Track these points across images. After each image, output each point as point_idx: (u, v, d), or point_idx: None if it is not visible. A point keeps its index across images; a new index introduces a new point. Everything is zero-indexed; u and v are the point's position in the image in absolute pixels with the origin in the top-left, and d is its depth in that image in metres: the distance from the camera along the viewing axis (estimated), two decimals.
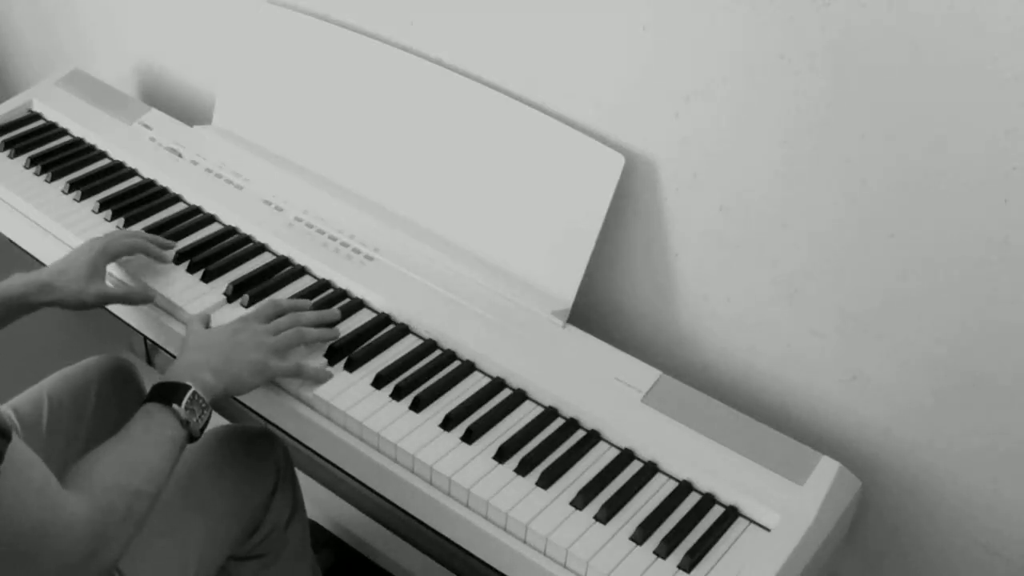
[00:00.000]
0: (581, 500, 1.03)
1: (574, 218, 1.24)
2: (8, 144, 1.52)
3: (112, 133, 1.54)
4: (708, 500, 1.05)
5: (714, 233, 1.21)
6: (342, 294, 1.27)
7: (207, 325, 1.16)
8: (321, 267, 1.30)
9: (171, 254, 1.30)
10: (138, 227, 1.36)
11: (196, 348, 1.08)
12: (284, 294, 1.26)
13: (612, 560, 0.98)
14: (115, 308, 1.27)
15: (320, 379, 1.13)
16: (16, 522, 0.81)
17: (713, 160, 1.17)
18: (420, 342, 1.21)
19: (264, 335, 1.11)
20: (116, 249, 1.23)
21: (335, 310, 1.22)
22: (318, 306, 1.22)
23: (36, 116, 1.60)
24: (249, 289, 1.25)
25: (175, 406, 0.98)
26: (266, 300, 1.22)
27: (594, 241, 1.22)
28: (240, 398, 1.12)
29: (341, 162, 1.43)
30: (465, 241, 1.32)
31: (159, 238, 1.31)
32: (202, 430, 1.01)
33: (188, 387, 1.00)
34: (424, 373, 1.16)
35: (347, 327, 1.22)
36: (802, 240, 1.14)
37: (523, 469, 1.06)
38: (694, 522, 1.03)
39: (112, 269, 1.25)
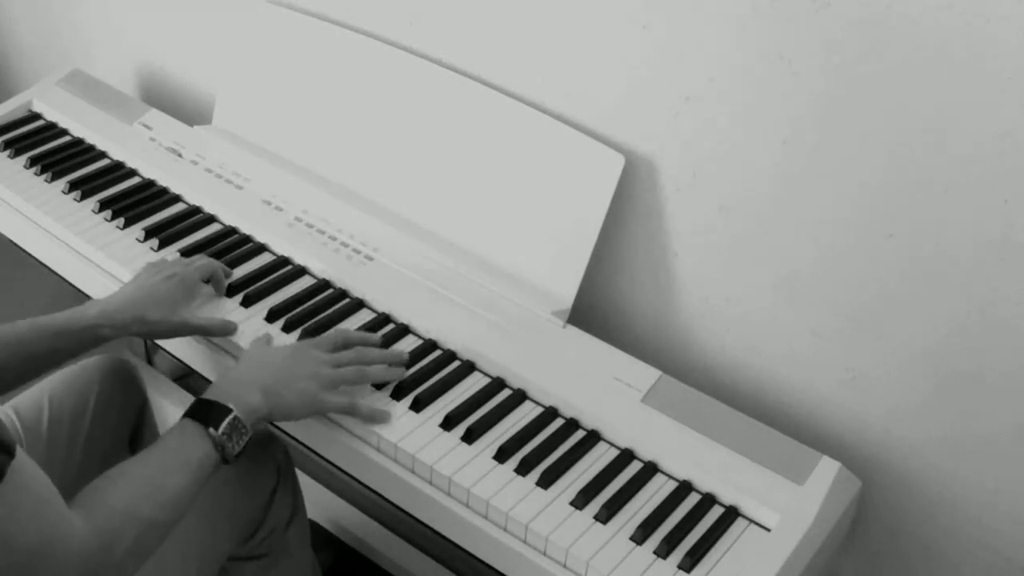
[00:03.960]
0: (581, 500, 1.03)
1: (574, 218, 1.24)
2: (8, 144, 1.52)
3: (112, 133, 1.54)
4: (708, 500, 1.05)
5: (714, 233, 1.21)
6: (342, 294, 1.27)
7: (270, 343, 1.13)
8: (321, 267, 1.30)
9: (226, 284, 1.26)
10: (137, 227, 1.36)
11: (250, 363, 1.05)
12: (284, 294, 1.26)
13: (612, 560, 0.98)
14: None
15: (376, 420, 1.08)
16: (13, 541, 0.78)
17: (713, 160, 1.17)
18: (420, 342, 1.21)
19: (323, 365, 1.07)
20: (194, 277, 1.19)
21: (403, 351, 1.16)
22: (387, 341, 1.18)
23: (36, 116, 1.60)
24: (247, 289, 1.25)
25: (211, 429, 0.95)
26: (334, 329, 1.17)
27: (594, 241, 1.22)
28: None
29: (341, 162, 1.43)
30: (465, 241, 1.32)
31: (224, 267, 1.26)
32: (238, 455, 0.97)
33: (230, 411, 0.96)
34: (424, 373, 1.16)
35: (347, 327, 1.22)
36: (802, 240, 1.14)
37: (523, 469, 1.06)
38: (694, 522, 1.03)
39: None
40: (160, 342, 1.26)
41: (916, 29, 0.97)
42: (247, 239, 1.36)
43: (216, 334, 1.19)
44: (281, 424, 1.15)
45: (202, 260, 1.23)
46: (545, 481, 1.04)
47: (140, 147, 1.51)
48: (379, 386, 1.13)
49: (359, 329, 1.21)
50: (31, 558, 0.80)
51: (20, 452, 0.79)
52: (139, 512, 0.88)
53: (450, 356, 1.19)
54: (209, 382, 1.23)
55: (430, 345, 1.20)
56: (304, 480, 1.36)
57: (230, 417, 0.96)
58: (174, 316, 1.15)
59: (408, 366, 1.16)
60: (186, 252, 1.31)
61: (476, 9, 1.30)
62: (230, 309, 1.23)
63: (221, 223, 1.39)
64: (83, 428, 1.26)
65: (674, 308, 1.28)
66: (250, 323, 1.21)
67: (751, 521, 1.04)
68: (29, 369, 1.10)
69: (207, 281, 1.24)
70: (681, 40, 1.14)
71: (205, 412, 0.96)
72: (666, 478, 1.08)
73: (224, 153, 1.49)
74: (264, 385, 1.01)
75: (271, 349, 1.09)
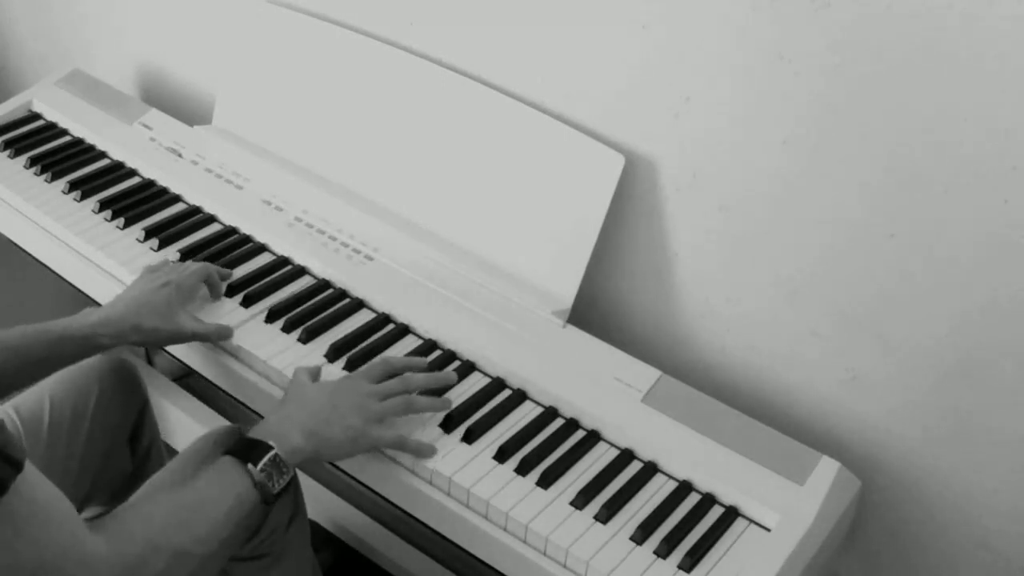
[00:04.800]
0: (581, 500, 1.03)
1: (574, 218, 1.24)
2: (8, 144, 1.52)
3: (112, 133, 1.54)
4: (708, 500, 1.05)
5: (714, 233, 1.21)
6: (342, 294, 1.27)
7: (315, 379, 1.09)
8: (321, 267, 1.30)
9: (224, 287, 1.26)
10: (137, 227, 1.36)
11: (293, 402, 1.02)
12: (284, 294, 1.26)
13: (612, 560, 0.98)
14: None
15: (423, 455, 1.05)
16: (20, 558, 0.76)
17: (713, 160, 1.17)
18: (420, 342, 1.21)
19: (369, 399, 1.04)
20: (191, 283, 1.19)
21: (451, 372, 1.14)
22: (433, 367, 1.16)
23: (36, 116, 1.60)
24: (247, 288, 1.25)
25: (250, 466, 0.93)
26: (378, 359, 1.13)
27: (594, 241, 1.22)
28: None
29: (341, 162, 1.43)
30: (465, 241, 1.32)
31: (221, 269, 1.26)
32: (279, 495, 0.95)
33: (270, 448, 0.94)
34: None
35: (347, 327, 1.22)
36: (802, 240, 1.14)
37: (523, 469, 1.06)
38: (694, 522, 1.03)
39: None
40: None
41: (916, 29, 0.97)
42: (247, 239, 1.36)
43: (213, 340, 1.19)
44: None
45: (197, 265, 1.22)
46: (545, 481, 1.04)
47: (140, 147, 1.51)
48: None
49: (359, 329, 1.21)
50: (44, 574, 0.78)
51: (29, 466, 0.77)
52: (168, 543, 0.86)
53: (450, 356, 1.19)
54: (209, 382, 1.23)
55: (430, 345, 1.20)
56: (304, 480, 1.36)
57: (270, 455, 0.94)
58: (170, 324, 1.14)
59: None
60: (186, 252, 1.31)
61: (476, 9, 1.30)
62: (230, 309, 1.23)
63: (221, 223, 1.39)
64: (83, 428, 1.26)
65: (674, 308, 1.28)
66: (251, 324, 1.21)
67: (751, 521, 1.04)
68: (26, 375, 1.09)
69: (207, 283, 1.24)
70: (681, 40, 1.14)
71: (246, 450, 0.95)
72: (666, 478, 1.08)
73: (224, 153, 1.49)
74: (305, 426, 0.99)
75: (315, 386, 1.06)
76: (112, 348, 1.13)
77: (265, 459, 0.94)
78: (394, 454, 1.07)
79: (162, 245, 1.33)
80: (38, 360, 1.09)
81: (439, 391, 1.12)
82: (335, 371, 1.15)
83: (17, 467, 0.75)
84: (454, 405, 1.12)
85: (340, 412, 1.01)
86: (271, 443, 0.95)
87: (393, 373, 1.09)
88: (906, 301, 1.09)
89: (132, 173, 1.48)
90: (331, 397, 1.03)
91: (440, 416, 1.10)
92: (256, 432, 0.97)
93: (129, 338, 1.13)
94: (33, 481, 0.78)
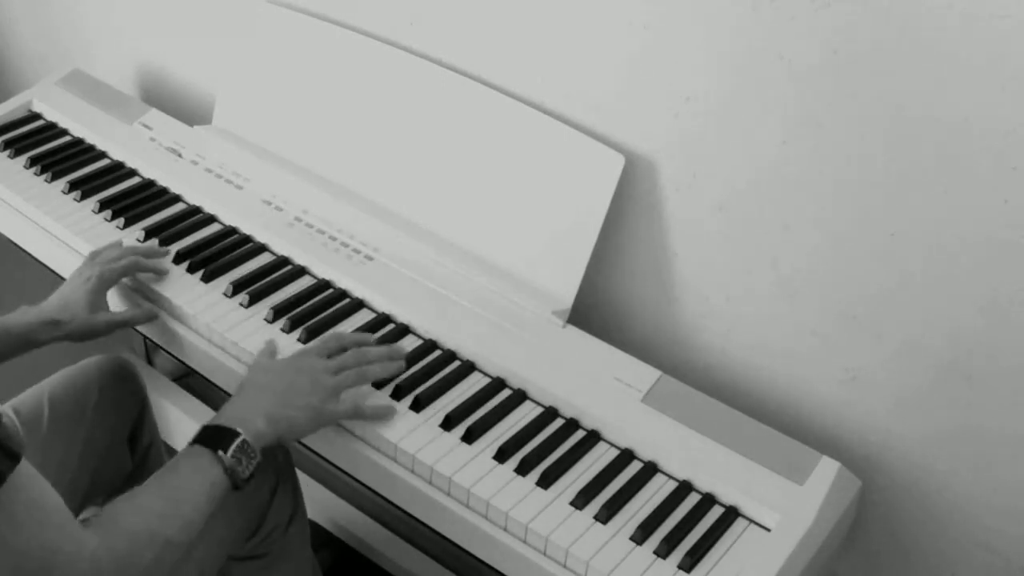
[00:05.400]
0: (581, 500, 1.03)
1: (574, 218, 1.24)
2: (8, 144, 1.52)
3: (112, 133, 1.54)
4: (708, 500, 1.05)
5: (714, 233, 1.21)
6: (342, 294, 1.27)
7: (274, 354, 1.13)
8: (321, 267, 1.30)
9: (167, 261, 1.29)
10: (137, 227, 1.36)
11: (253, 388, 1.04)
12: (284, 294, 1.26)
13: (612, 560, 0.98)
14: (115, 308, 1.27)
15: (380, 418, 1.09)
16: (14, 550, 0.78)
17: (713, 160, 1.17)
18: (420, 342, 1.21)
19: (323, 375, 1.06)
20: (111, 277, 1.22)
21: (401, 347, 1.17)
22: (382, 341, 1.19)
23: (36, 116, 1.60)
24: (248, 288, 1.25)
25: (221, 453, 0.95)
26: (329, 334, 1.17)
27: (594, 241, 1.22)
28: None
29: (341, 162, 1.43)
30: (465, 241, 1.32)
31: (150, 247, 1.30)
32: (248, 479, 0.97)
33: (237, 434, 0.96)
34: (424, 373, 1.16)
35: (347, 327, 1.22)
36: (802, 240, 1.14)
37: (523, 469, 1.06)
38: (694, 522, 1.03)
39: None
40: (161, 343, 1.26)
41: (916, 29, 0.97)
42: (247, 239, 1.36)
43: (140, 322, 1.23)
44: None
45: (125, 261, 1.24)
46: (545, 481, 1.04)
47: (140, 147, 1.51)
48: (378, 386, 1.13)
49: (359, 330, 1.21)
50: (35, 569, 0.80)
51: (25, 462, 0.79)
52: (156, 534, 0.88)
53: (450, 356, 1.19)
54: (209, 382, 1.23)
55: (430, 345, 1.20)
56: (304, 480, 1.36)
57: (238, 441, 0.96)
58: (93, 318, 1.18)
59: (408, 366, 1.16)
60: (186, 252, 1.31)
61: (476, 9, 1.30)
62: (230, 308, 1.23)
63: (221, 223, 1.39)
64: (83, 428, 1.26)
65: (674, 308, 1.28)
66: (250, 323, 1.21)
67: (751, 521, 1.04)
68: None
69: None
70: (681, 40, 1.14)
71: (214, 437, 0.96)
72: (666, 478, 1.08)
73: (224, 153, 1.49)
74: (267, 411, 1.00)
75: (269, 371, 1.07)
76: (47, 343, 1.17)
77: (234, 445, 0.96)
78: (395, 455, 1.07)
79: (162, 245, 1.33)
80: None
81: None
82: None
83: (15, 459, 0.77)
84: (454, 405, 1.12)
85: (298, 392, 1.03)
86: (238, 429, 0.97)
87: (343, 348, 1.12)
88: (906, 301, 1.09)
89: (132, 173, 1.48)
90: (288, 378, 1.05)
91: (440, 415, 1.10)
92: (221, 419, 0.99)
93: (52, 333, 1.16)
94: (29, 475, 0.80)
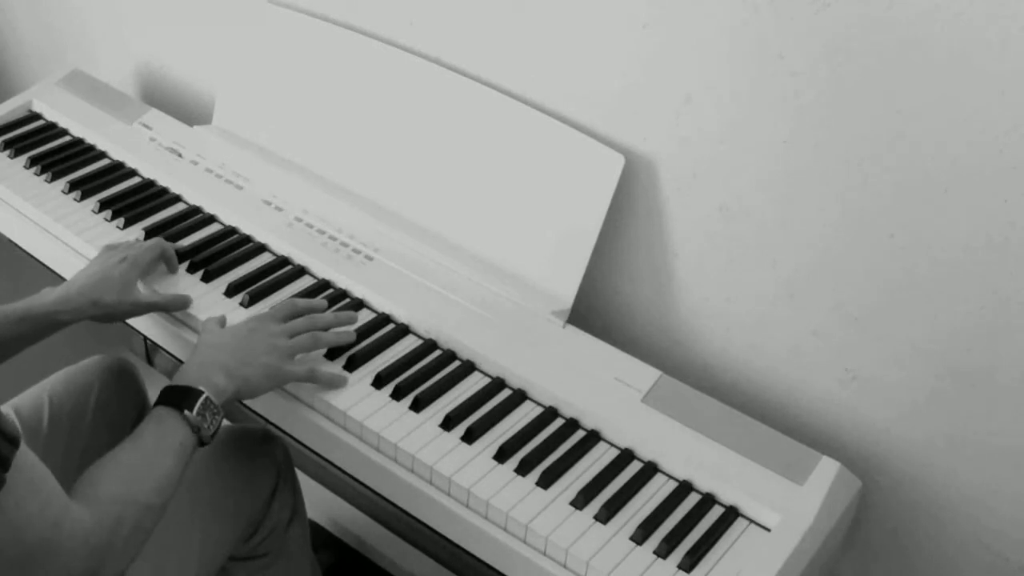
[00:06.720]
0: (581, 500, 1.03)
1: (574, 218, 1.24)
2: (8, 144, 1.52)
3: (112, 133, 1.54)
4: (708, 500, 1.05)
5: (714, 233, 1.21)
6: (342, 294, 1.27)
7: (223, 324, 1.15)
8: (321, 267, 1.30)
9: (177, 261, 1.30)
10: (137, 227, 1.36)
11: (209, 347, 1.06)
12: (284, 294, 1.26)
13: (612, 560, 0.98)
14: None
15: (335, 385, 1.12)
16: (20, 533, 0.80)
17: (713, 160, 1.17)
18: (420, 342, 1.21)
19: (279, 337, 1.09)
20: (141, 263, 1.22)
21: (352, 313, 1.20)
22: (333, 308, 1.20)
23: (36, 116, 1.60)
24: (248, 288, 1.25)
25: (186, 412, 0.96)
26: (284, 301, 1.19)
27: (594, 241, 1.22)
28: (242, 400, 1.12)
29: (341, 162, 1.43)
30: (465, 241, 1.32)
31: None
32: (213, 435, 0.99)
33: (200, 392, 0.98)
34: (424, 373, 1.16)
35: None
36: (802, 240, 1.14)
37: (523, 469, 1.06)
38: (694, 522, 1.03)
39: None
40: (161, 343, 1.26)
41: (916, 29, 0.97)
42: (247, 239, 1.36)
43: (171, 309, 1.23)
44: (281, 424, 1.15)
45: (152, 242, 1.26)
46: (545, 481, 1.04)
47: (140, 147, 1.51)
48: (378, 385, 1.13)
49: (359, 328, 1.21)
50: (41, 547, 0.82)
51: (24, 447, 0.80)
52: (136, 498, 0.90)
53: (450, 356, 1.19)
54: None
55: (430, 345, 1.20)
56: (304, 480, 1.36)
57: (202, 399, 0.98)
58: (128, 296, 1.18)
59: (408, 366, 1.16)
60: (186, 252, 1.31)
61: (476, 9, 1.30)
62: (231, 309, 1.23)
63: (221, 223, 1.39)
64: (83, 428, 1.26)
65: (674, 308, 1.28)
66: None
67: (751, 521, 1.04)
68: None
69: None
70: (681, 40, 1.14)
71: (177, 397, 0.98)
72: (666, 478, 1.08)
73: (224, 153, 1.49)
74: (226, 366, 1.03)
75: (226, 330, 1.10)
76: (72, 323, 1.16)
77: (198, 404, 0.97)
78: (395, 455, 1.07)
79: None
80: (4, 341, 1.12)
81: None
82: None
83: (15, 443, 0.79)
84: (454, 405, 1.12)
85: (255, 352, 1.06)
86: (200, 387, 0.99)
87: (297, 314, 1.14)
88: (906, 301, 1.09)
89: (132, 173, 1.48)
90: (244, 339, 1.07)
91: (440, 415, 1.10)
92: (182, 379, 1.00)
93: (88, 313, 1.16)
94: (28, 458, 0.81)
